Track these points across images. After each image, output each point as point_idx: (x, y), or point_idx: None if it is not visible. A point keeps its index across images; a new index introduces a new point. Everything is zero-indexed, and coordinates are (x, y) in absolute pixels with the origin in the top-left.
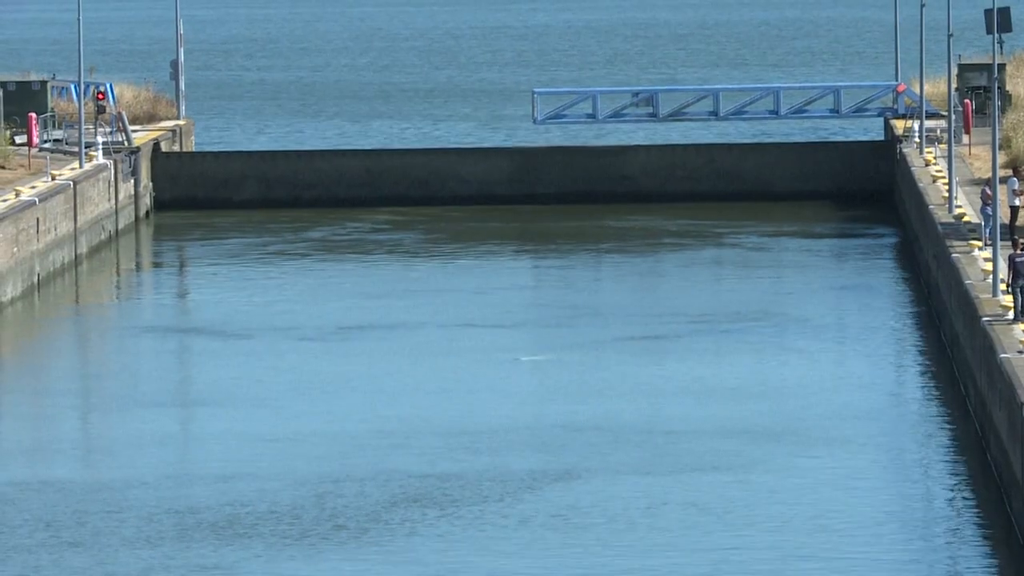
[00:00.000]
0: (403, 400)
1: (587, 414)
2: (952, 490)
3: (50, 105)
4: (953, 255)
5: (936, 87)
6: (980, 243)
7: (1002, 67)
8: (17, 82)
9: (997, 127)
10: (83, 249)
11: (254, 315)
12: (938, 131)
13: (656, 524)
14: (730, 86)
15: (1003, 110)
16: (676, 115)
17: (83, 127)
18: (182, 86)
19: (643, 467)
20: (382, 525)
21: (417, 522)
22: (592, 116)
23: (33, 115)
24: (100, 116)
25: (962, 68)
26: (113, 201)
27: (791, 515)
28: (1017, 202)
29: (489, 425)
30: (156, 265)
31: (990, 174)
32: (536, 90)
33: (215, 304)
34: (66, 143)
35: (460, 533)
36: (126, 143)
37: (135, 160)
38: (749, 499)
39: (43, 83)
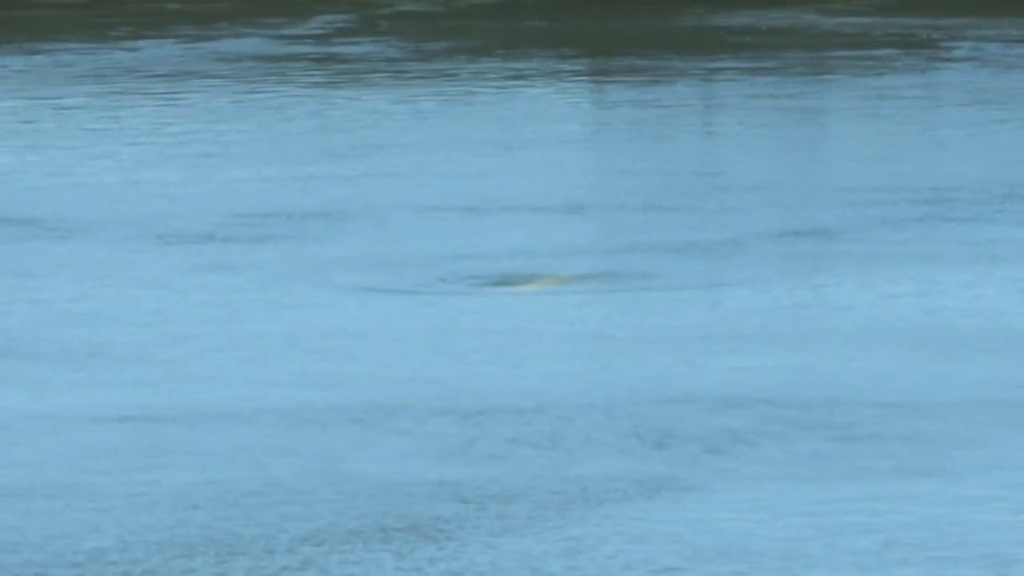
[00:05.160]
0: (360, 350)
1: (708, 374)
2: None
3: None
4: None
5: None
6: None
7: None
8: None
9: None
10: None
11: (68, 194)
12: None
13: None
14: None
15: None
16: None
17: None
18: None
19: (844, 469)
20: None
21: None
22: None
23: None
24: None
25: None
26: None
27: None
28: None
29: (529, 396)
30: None
31: None
32: None
33: (5, 174)
34: None
35: None
36: None
37: None
38: None
39: None
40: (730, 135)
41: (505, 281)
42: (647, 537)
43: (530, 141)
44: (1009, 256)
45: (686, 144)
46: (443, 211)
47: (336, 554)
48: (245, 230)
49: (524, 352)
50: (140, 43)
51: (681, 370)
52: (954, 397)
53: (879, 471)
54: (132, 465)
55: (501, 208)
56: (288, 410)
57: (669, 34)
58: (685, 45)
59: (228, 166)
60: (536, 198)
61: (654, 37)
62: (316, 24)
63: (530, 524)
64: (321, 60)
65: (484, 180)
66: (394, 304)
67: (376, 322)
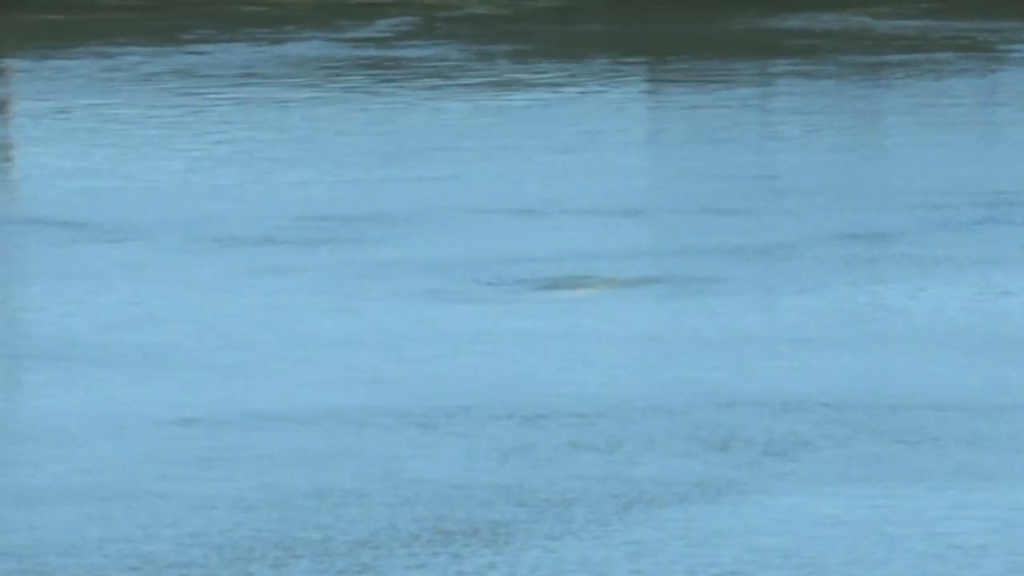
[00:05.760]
0: (418, 353)
1: (769, 378)
2: None
3: None
4: None
5: None
6: None
7: None
8: None
9: None
10: None
11: (126, 197)
12: None
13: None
14: None
15: None
16: None
17: None
18: None
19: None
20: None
21: (455, 562)
22: None
23: None
24: None
25: None
26: None
27: None
28: None
29: (588, 399)
30: None
31: None
32: None
33: (64, 177)
34: None
35: None
36: None
37: None
38: None
39: None
40: (788, 138)
41: (562, 284)
42: (710, 540)
43: (588, 144)
44: None
45: (744, 147)
46: (500, 214)
47: (395, 557)
48: (302, 233)
49: (583, 356)
50: (207, 46)
51: (741, 373)
52: (1015, 400)
53: (941, 474)
54: (191, 468)
55: (559, 211)
56: (346, 413)
57: (726, 37)
58: (742, 48)
59: (285, 169)
60: (594, 201)
61: (711, 40)
62: (380, 27)
63: (590, 528)
64: (382, 63)
65: (541, 183)
66: (452, 307)
67: (434, 325)
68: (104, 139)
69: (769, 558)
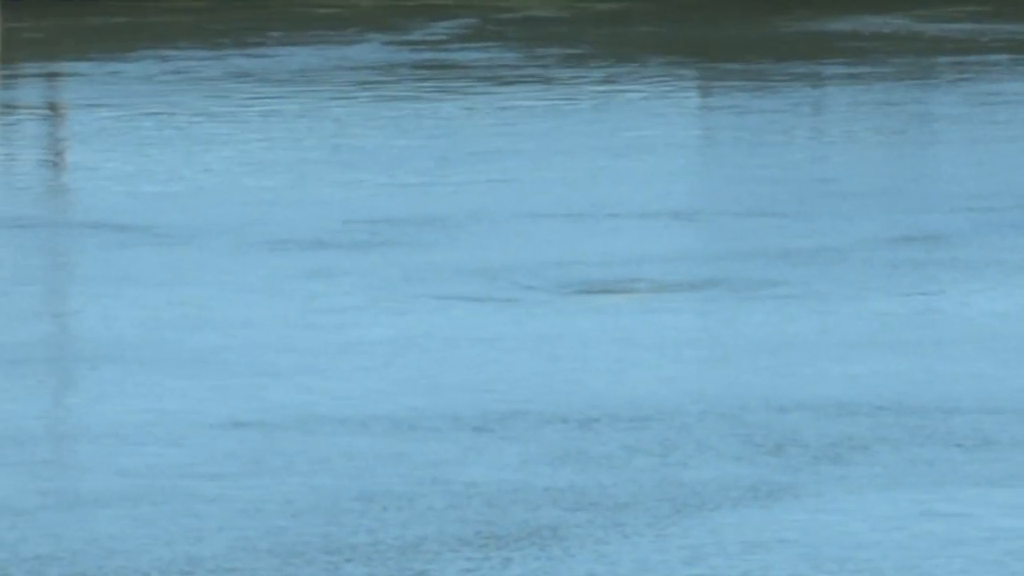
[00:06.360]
0: (469, 356)
1: (822, 381)
2: None
3: None
4: None
5: None
6: None
7: None
8: None
9: None
10: None
11: (177, 200)
12: None
13: None
14: None
15: None
16: None
17: None
18: None
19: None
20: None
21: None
22: None
23: None
24: None
25: None
26: None
27: None
28: None
29: (641, 402)
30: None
31: None
32: None
33: (115, 181)
34: None
35: None
36: None
37: None
38: None
39: None
40: (839, 141)
41: (613, 288)
42: (765, 545)
43: (638, 147)
44: None
45: (794, 150)
46: (551, 218)
47: (445, 562)
48: (353, 236)
49: (634, 359)
50: (267, 49)
51: (794, 377)
52: None
53: (996, 478)
54: (240, 471)
55: (610, 215)
56: (397, 417)
57: (776, 40)
58: (792, 51)
59: (337, 172)
60: (645, 204)
61: (762, 43)
62: (437, 29)
63: (644, 531)
64: (435, 66)
65: (592, 186)
66: (503, 311)
67: (485, 329)
68: (156, 143)
69: (823, 562)
